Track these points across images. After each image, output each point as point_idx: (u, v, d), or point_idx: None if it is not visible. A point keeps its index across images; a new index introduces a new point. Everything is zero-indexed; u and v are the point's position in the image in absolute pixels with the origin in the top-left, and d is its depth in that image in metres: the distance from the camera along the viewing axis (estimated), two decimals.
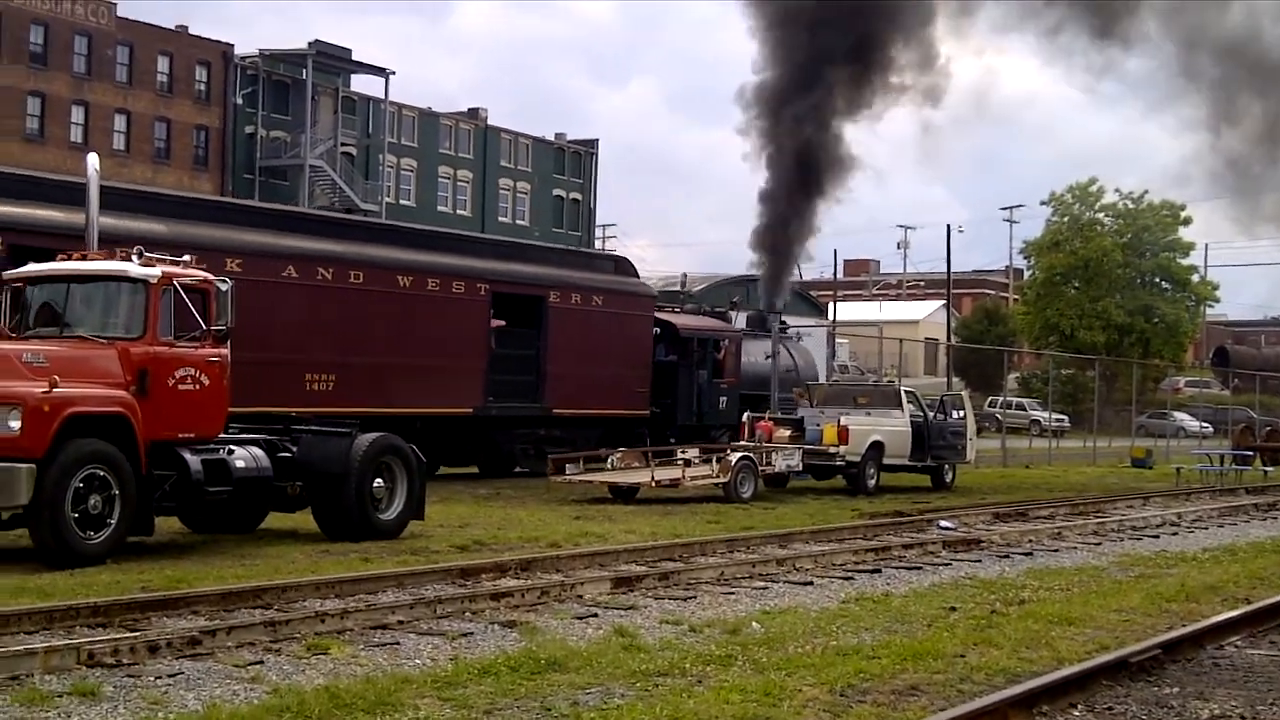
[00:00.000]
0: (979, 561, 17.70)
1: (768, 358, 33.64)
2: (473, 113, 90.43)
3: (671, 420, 32.96)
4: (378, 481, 17.82)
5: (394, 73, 79.02)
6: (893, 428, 29.62)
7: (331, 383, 25.25)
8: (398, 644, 10.90)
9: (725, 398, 33.39)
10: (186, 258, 16.74)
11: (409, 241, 29.43)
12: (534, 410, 30.07)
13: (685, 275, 40.28)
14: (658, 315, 33.99)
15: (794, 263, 38.53)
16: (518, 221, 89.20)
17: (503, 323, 29.69)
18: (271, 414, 19.38)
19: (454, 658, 10.41)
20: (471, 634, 11.41)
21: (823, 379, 37.50)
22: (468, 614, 12.27)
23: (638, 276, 34.77)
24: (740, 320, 37.42)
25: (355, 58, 78.70)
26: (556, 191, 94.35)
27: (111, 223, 19.98)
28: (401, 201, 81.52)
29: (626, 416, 31.99)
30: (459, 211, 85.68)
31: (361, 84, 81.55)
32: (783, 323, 35.89)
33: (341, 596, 12.79)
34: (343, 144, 77.42)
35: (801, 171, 34.01)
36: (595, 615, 12.49)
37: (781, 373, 33.65)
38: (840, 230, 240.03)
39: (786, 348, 35.64)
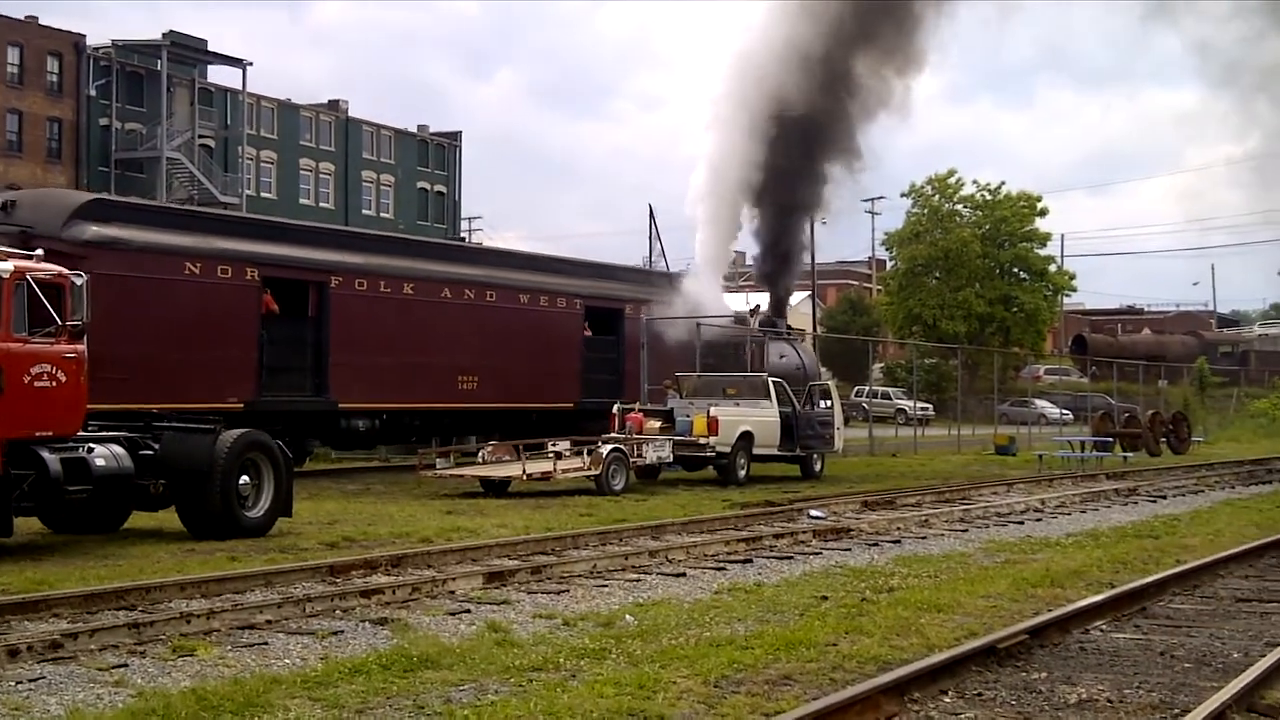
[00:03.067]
0: (849, 550, 17.85)
1: (782, 358, 37.60)
2: (333, 104, 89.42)
3: None
4: (244, 479, 17.58)
5: (251, 64, 77.83)
6: (762, 418, 29.82)
7: (475, 383, 30.94)
8: (266, 644, 10.71)
9: None
10: (39, 252, 16.35)
11: (525, 265, 35.72)
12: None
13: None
14: None
15: (795, 270, 43.88)
16: (381, 214, 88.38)
17: (589, 332, 35.37)
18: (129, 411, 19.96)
19: (324, 657, 10.26)
20: (342, 632, 11.25)
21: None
22: (338, 612, 12.12)
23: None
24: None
25: (212, 48, 77.38)
26: (421, 184, 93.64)
27: (317, 255, 28.58)
28: (262, 194, 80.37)
29: None
30: (321, 204, 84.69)
31: (219, 75, 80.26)
32: (789, 326, 40.47)
33: (207, 596, 12.56)
34: (200, 136, 76.13)
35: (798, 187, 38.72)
36: (468, 611, 12.39)
37: (791, 370, 36.64)
38: None
39: (795, 348, 39.52)
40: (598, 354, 35.20)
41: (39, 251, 16.51)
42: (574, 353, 34.36)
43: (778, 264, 40.47)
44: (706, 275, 39.22)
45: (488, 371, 31.42)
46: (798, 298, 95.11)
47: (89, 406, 16.77)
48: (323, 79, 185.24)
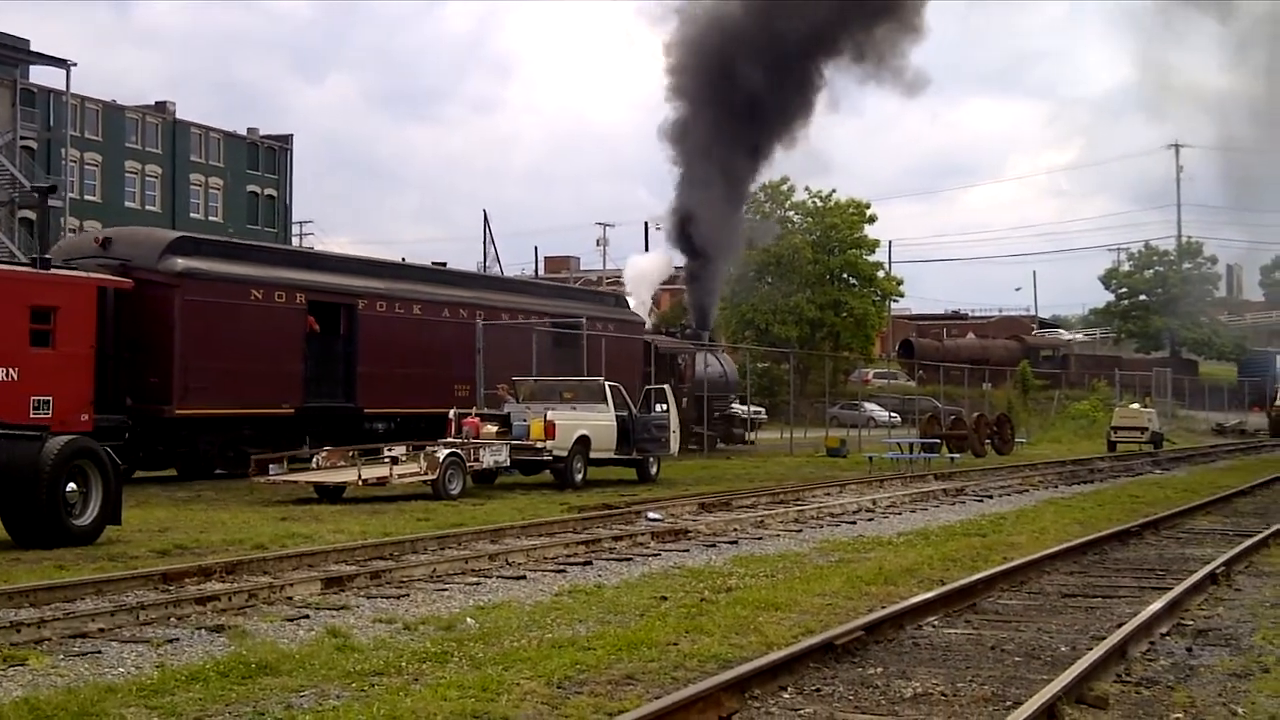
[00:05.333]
0: (687, 551, 18.01)
1: (708, 366, 43.61)
2: (160, 106, 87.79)
3: None
4: (71, 485, 17.12)
5: (75, 64, 75.63)
6: (599, 422, 29.92)
7: (468, 390, 34.02)
8: (100, 653, 10.51)
9: (686, 398, 42.76)
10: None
11: (504, 288, 42.45)
12: None
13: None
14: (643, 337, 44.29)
15: (718, 289, 50.85)
16: (210, 218, 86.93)
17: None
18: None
19: (160, 665, 10.08)
20: (178, 640, 11.07)
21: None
22: (173, 620, 11.91)
23: (629, 308, 46.34)
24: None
25: (34, 48, 75.35)
26: (251, 188, 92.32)
27: (349, 282, 33.84)
28: (86, 197, 78.58)
29: None
30: (148, 207, 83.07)
31: (41, 76, 78.26)
32: (711, 338, 46.77)
33: (37, 605, 12.26)
34: (22, 138, 74.02)
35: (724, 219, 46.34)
36: (306, 617, 12.26)
37: (716, 377, 42.65)
38: (540, 228, 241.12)
39: (718, 358, 45.31)
40: (560, 365, 37.77)
41: None
42: (546, 364, 37.17)
43: (701, 279, 45.99)
44: (639, 294, 46.83)
45: (477, 381, 34.92)
46: (631, 303, 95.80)
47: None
48: (150, 80, 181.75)
